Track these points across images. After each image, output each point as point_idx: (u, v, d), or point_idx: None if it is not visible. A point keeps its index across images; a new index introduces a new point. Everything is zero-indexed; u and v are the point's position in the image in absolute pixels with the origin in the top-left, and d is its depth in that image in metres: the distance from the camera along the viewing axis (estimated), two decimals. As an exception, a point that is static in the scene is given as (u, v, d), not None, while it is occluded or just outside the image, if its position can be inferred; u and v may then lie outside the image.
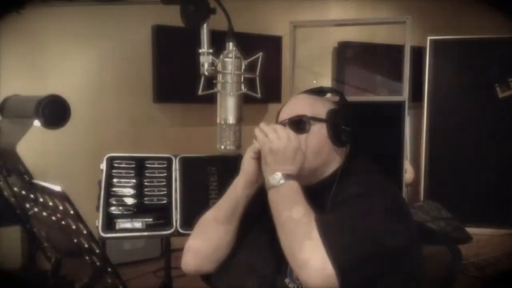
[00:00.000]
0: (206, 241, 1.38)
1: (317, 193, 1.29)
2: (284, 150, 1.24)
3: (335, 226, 1.13)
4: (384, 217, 1.18)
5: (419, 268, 1.27)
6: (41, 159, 3.69)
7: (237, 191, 1.35)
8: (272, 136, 1.25)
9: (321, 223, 1.13)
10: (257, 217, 1.40)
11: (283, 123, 1.35)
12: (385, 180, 1.33)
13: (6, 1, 1.28)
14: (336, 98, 1.45)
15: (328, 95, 1.49)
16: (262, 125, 1.29)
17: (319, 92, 1.45)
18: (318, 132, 1.32)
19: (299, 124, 1.32)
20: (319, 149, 1.32)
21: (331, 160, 1.36)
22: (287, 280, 1.26)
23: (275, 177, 1.23)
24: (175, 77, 4.10)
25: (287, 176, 1.23)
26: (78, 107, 3.77)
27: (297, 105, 1.38)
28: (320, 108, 1.36)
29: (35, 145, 3.51)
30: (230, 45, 1.22)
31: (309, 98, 1.40)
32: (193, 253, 1.39)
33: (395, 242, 1.16)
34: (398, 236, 1.17)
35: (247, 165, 1.33)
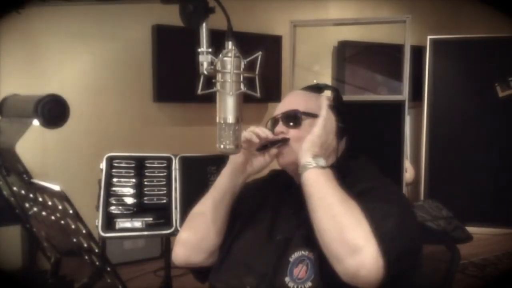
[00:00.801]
0: (193, 232, 1.40)
1: None
2: (328, 145, 1.30)
3: (379, 216, 1.13)
4: (405, 212, 1.22)
5: (419, 266, 1.27)
6: (41, 158, 3.69)
7: (224, 180, 1.38)
8: (329, 127, 1.31)
9: (369, 210, 1.13)
10: (252, 214, 1.40)
11: (277, 118, 1.39)
12: (386, 179, 1.34)
13: (5, 0, 1.28)
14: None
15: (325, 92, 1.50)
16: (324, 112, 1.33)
17: (315, 88, 1.47)
18: (310, 127, 1.33)
19: (291, 119, 1.36)
20: None
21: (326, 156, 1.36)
22: (287, 279, 1.25)
23: (321, 161, 1.24)
24: (175, 77, 4.11)
25: (325, 163, 1.25)
26: (78, 107, 3.78)
27: (291, 100, 1.42)
28: (314, 103, 1.38)
29: (34, 144, 3.51)
30: (230, 44, 1.22)
31: (304, 94, 1.44)
32: (181, 245, 1.41)
33: (418, 237, 1.21)
34: (416, 229, 1.23)
35: (236, 155, 1.34)
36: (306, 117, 1.36)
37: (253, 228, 1.39)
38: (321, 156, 1.25)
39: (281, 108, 1.41)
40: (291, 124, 1.36)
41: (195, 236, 1.39)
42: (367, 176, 1.32)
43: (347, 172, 1.33)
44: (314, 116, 1.35)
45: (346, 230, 1.11)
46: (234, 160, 1.36)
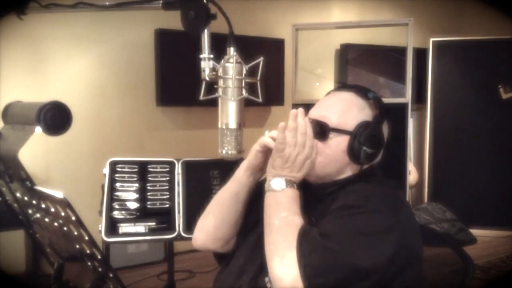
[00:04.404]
0: (209, 220, 1.44)
1: (322, 193, 1.30)
2: (294, 158, 1.23)
3: (315, 245, 1.13)
4: (370, 237, 1.15)
5: (416, 283, 1.22)
6: (44, 163, 3.70)
7: (241, 174, 1.39)
8: (290, 140, 1.23)
9: (303, 240, 1.14)
10: (259, 219, 1.41)
11: (309, 119, 1.30)
12: (390, 190, 1.30)
13: (7, 6, 1.29)
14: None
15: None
16: (290, 122, 1.24)
17: (364, 94, 1.33)
18: (336, 145, 1.28)
19: (319, 129, 1.28)
20: (330, 160, 1.28)
21: (343, 171, 1.32)
22: (266, 279, 1.25)
23: (277, 182, 1.23)
24: (178, 81, 4.11)
25: (289, 183, 1.23)
26: (81, 112, 3.78)
27: (329, 106, 1.32)
28: (351, 118, 1.28)
29: (38, 149, 3.52)
30: (231, 50, 1.22)
31: (346, 102, 1.31)
32: (199, 230, 1.46)
33: (375, 265, 1.12)
34: (381, 257, 1.13)
35: (253, 157, 1.35)
36: (334, 134, 1.27)
37: (256, 233, 1.39)
38: (283, 175, 1.23)
39: (316, 110, 1.32)
40: (317, 134, 1.27)
41: (210, 224, 1.43)
42: (360, 189, 1.26)
43: (356, 180, 1.30)
44: (345, 132, 1.27)
45: (273, 257, 1.16)
46: (251, 162, 1.36)
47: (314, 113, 1.32)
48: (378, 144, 1.28)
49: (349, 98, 1.32)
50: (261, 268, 1.27)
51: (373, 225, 1.16)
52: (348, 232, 1.15)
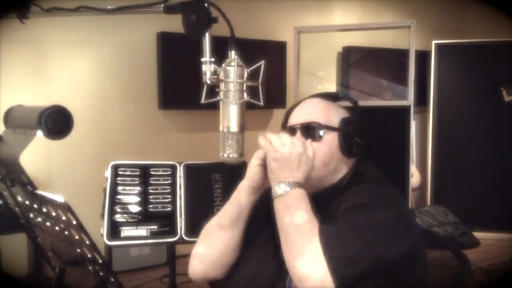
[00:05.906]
0: (210, 248, 1.37)
1: (323, 200, 1.29)
2: (288, 156, 1.22)
3: (337, 238, 1.12)
4: (386, 230, 1.16)
5: (424, 277, 1.25)
6: (46, 167, 3.70)
7: (241, 196, 1.34)
8: (275, 142, 1.24)
9: (324, 235, 1.12)
10: (262, 225, 1.40)
11: (294, 128, 1.33)
12: (389, 189, 1.31)
13: (8, 8, 1.29)
14: (348, 105, 1.43)
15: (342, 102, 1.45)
16: (266, 134, 1.27)
17: (333, 97, 1.41)
18: (329, 141, 1.31)
19: (310, 131, 1.31)
20: (328, 158, 1.30)
21: (339, 169, 1.34)
22: None
23: (281, 186, 1.22)
24: (180, 83, 4.11)
25: (293, 184, 1.22)
26: (83, 115, 3.78)
27: (310, 109, 1.35)
28: (333, 115, 1.34)
29: (40, 153, 3.52)
30: (232, 54, 1.22)
31: (323, 104, 1.37)
32: (198, 260, 1.39)
33: (396, 255, 1.14)
34: (400, 249, 1.15)
35: (253, 172, 1.32)
36: (327, 131, 1.31)
37: (262, 239, 1.37)
38: (284, 177, 1.22)
39: (299, 117, 1.35)
40: (311, 137, 1.30)
41: (212, 252, 1.37)
42: (365, 189, 1.28)
43: (356, 181, 1.31)
44: (335, 129, 1.31)
45: (295, 257, 1.13)
46: (252, 177, 1.32)
47: (297, 120, 1.35)
48: (365, 134, 1.33)
49: (322, 101, 1.38)
50: (277, 278, 1.26)
51: (386, 220, 1.18)
52: (365, 226, 1.16)
